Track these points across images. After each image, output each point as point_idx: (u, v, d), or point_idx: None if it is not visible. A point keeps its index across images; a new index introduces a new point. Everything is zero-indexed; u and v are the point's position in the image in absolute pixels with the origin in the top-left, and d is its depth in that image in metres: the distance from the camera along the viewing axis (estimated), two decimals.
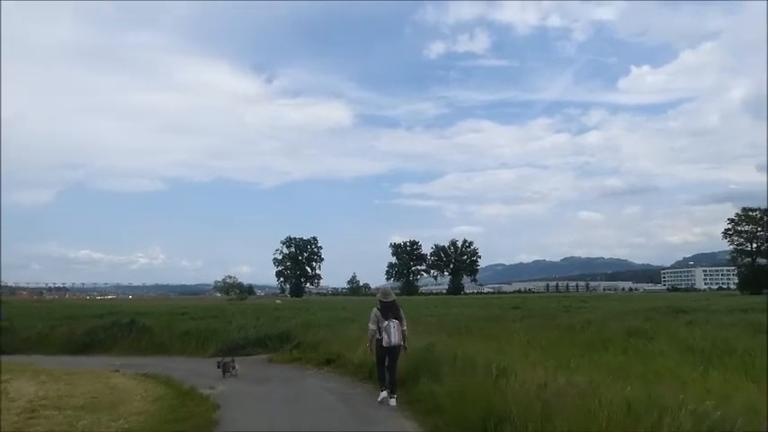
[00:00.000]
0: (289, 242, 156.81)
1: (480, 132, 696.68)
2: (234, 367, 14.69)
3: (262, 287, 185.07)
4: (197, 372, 15.72)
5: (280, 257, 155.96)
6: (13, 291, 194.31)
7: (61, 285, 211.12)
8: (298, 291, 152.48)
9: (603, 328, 15.45)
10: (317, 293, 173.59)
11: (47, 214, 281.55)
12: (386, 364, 10.35)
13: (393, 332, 10.04)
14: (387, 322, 10.10)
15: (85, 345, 21.03)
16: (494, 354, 11.00)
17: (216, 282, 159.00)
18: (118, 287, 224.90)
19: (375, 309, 10.46)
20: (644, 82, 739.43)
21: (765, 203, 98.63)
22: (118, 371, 15.03)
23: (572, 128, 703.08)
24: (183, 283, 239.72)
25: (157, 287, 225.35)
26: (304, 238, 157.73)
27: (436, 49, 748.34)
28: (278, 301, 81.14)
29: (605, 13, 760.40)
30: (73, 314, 30.60)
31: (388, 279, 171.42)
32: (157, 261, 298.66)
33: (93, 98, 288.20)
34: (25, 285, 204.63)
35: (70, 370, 14.57)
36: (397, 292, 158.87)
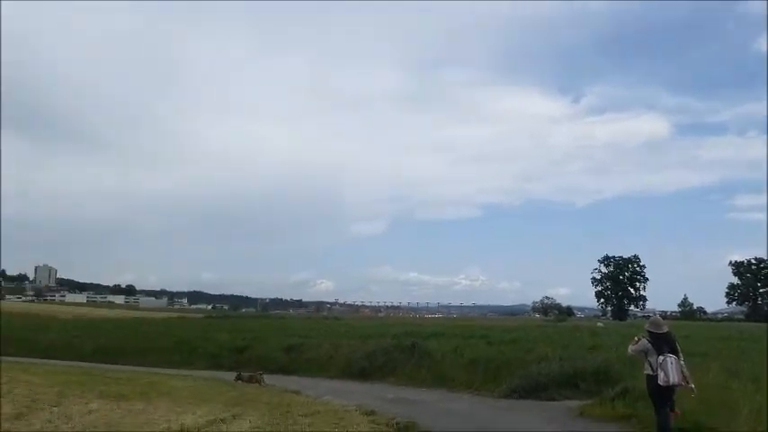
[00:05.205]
0: (607, 261, 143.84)
1: None
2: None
3: (581, 309, 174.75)
4: (479, 424, 11.18)
5: (598, 277, 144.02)
6: (357, 309, 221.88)
7: (395, 304, 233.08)
8: (620, 313, 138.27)
9: None
10: (643, 316, 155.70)
11: (381, 242, 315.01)
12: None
13: (671, 369, 8.52)
14: (662, 357, 8.62)
15: (363, 369, 18.27)
16: None
17: (533, 303, 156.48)
18: (441, 307, 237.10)
19: (644, 339, 9.06)
20: None
21: None
22: (372, 413, 11.21)
23: None
24: (501, 303, 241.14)
25: (477, 307, 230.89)
26: (624, 256, 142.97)
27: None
28: (599, 324, 73.26)
29: None
30: (367, 333, 29.04)
31: (729, 303, 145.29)
32: (477, 282, 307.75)
33: (413, 136, 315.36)
34: (367, 304, 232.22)
35: (312, 408, 11.28)
36: (741, 317, 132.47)
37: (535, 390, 14.27)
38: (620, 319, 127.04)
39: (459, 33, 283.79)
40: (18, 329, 34.47)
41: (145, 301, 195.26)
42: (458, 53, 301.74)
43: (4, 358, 21.46)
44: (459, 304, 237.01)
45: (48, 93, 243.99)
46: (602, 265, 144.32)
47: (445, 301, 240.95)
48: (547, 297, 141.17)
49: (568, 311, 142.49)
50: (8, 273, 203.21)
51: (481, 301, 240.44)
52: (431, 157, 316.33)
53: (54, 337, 29.73)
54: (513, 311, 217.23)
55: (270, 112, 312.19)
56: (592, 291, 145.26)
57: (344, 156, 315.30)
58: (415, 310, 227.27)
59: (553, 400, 13.65)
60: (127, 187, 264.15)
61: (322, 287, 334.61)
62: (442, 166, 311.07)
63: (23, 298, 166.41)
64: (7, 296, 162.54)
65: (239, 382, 15.27)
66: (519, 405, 13.57)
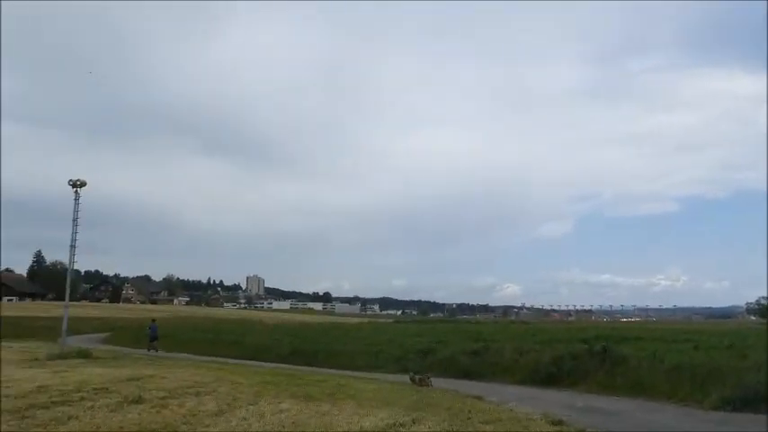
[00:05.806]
0: None
1: None
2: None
3: None
4: None
5: None
6: (546, 313, 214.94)
7: (586, 308, 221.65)
8: None
9: None
10: None
11: (568, 243, 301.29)
12: None
13: None
14: None
15: (550, 375, 17.37)
16: None
17: (748, 304, 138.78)
18: (638, 309, 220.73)
19: None
20: None
21: None
22: (559, 423, 10.49)
23: None
24: (708, 305, 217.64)
25: (679, 309, 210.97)
26: None
27: None
28: None
29: None
30: (555, 337, 27.69)
31: None
32: (679, 283, 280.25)
33: (600, 131, 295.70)
34: (556, 308, 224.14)
35: (494, 414, 10.85)
36: None
37: (754, 401, 12.42)
38: None
39: (640, 18, 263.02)
40: (232, 333, 38.48)
41: (340, 307, 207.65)
42: (640, 39, 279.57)
43: (217, 359, 23.93)
44: (658, 306, 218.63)
45: (250, 119, 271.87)
46: None
47: (642, 304, 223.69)
48: (765, 297, 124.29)
49: None
50: (225, 283, 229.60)
51: (684, 303, 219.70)
52: (620, 151, 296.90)
53: (260, 341, 32.63)
54: (723, 314, 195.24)
55: (453, 119, 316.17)
56: None
57: (528, 156, 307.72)
58: (609, 313, 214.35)
59: None
60: (322, 202, 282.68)
61: (508, 291, 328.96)
62: (633, 160, 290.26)
63: (237, 305, 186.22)
64: (225, 304, 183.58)
65: (413, 384, 15.77)
66: (735, 419, 11.88)
